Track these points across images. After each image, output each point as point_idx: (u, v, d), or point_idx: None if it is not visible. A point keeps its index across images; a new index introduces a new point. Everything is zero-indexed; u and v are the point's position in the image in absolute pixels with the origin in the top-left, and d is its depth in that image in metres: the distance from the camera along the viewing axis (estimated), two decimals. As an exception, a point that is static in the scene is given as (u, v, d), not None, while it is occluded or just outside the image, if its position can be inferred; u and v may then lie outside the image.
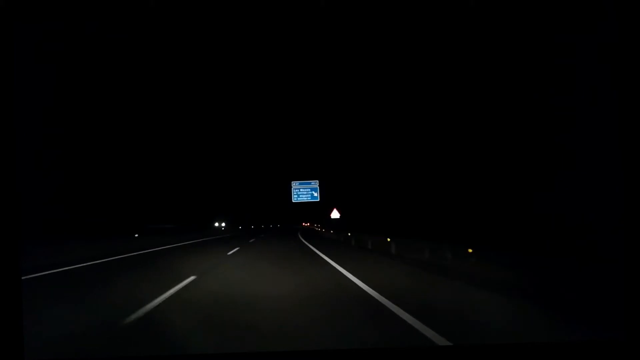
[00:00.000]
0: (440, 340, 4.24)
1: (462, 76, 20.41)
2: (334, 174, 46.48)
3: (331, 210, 32.88)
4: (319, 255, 15.15)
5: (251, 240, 28.53)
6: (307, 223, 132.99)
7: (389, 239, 15.94)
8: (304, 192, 36.53)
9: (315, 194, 36.45)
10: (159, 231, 39.44)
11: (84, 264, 12.59)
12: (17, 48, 2.68)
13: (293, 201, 36.43)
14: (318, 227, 66.36)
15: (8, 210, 2.39)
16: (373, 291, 7.12)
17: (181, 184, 63.63)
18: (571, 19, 11.39)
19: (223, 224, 76.44)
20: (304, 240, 28.07)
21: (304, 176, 38.22)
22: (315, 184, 36.61)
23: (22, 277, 6.61)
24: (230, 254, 16.28)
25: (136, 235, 29.22)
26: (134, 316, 5.47)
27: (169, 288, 7.58)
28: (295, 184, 36.56)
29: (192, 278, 8.98)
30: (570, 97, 12.07)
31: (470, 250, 9.39)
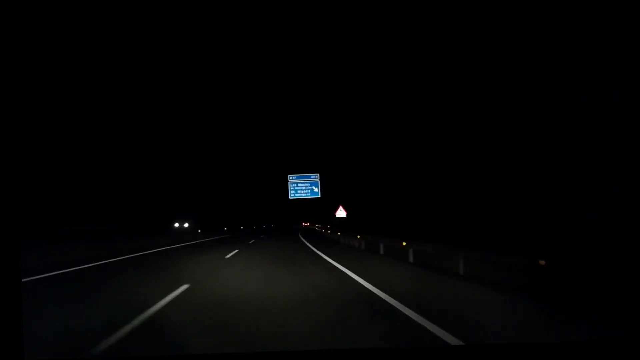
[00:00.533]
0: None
1: (462, 76, 20.40)
2: (336, 166, 42.31)
3: (336, 208, 28.73)
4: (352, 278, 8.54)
5: (228, 256, 15.02)
6: (307, 223, 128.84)
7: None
8: (302, 187, 31.54)
9: (316, 190, 31.38)
10: (82, 235, 24.99)
11: None
12: (17, 48, 2.68)
13: (290, 197, 31.56)
14: (320, 228, 57.14)
15: (8, 210, 2.39)
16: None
17: (175, 178, 58.57)
18: (571, 19, 11.39)
19: (186, 225, 55.05)
20: (317, 251, 16.92)
21: (303, 169, 33.45)
22: (315, 177, 31.54)
23: None
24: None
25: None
26: None
27: None
28: (292, 178, 31.58)
29: None
30: (570, 97, 12.07)
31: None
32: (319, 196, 31.56)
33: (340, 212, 28.33)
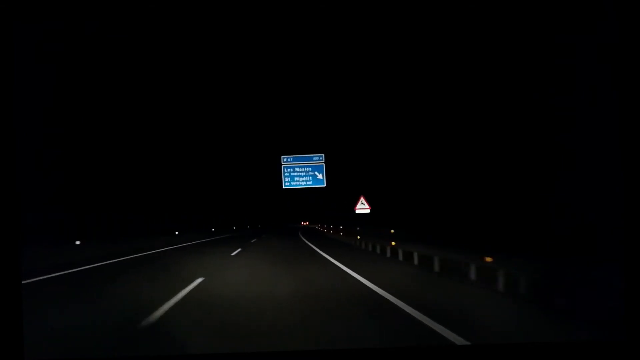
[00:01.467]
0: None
1: (462, 76, 20.40)
2: (345, 147, 32.13)
3: (356, 201, 20.81)
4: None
5: None
6: (305, 222, 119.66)
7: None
8: (301, 172, 23.55)
9: (320, 176, 23.40)
10: None
11: None
12: (17, 48, 2.68)
13: (284, 187, 23.58)
14: (324, 229, 45.84)
15: (8, 210, 2.39)
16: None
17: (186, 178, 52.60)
18: (571, 19, 11.40)
19: None
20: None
21: (302, 148, 24.39)
22: (319, 159, 23.61)
23: None
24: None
25: None
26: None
27: None
28: (287, 160, 23.66)
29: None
30: (570, 97, 12.08)
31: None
32: (324, 185, 23.59)
33: (362, 206, 20.92)
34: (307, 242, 26.21)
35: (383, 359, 3.30)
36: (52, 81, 23.40)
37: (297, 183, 23.68)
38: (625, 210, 2.68)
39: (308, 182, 23.67)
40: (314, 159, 23.74)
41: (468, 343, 4.15)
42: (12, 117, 2.45)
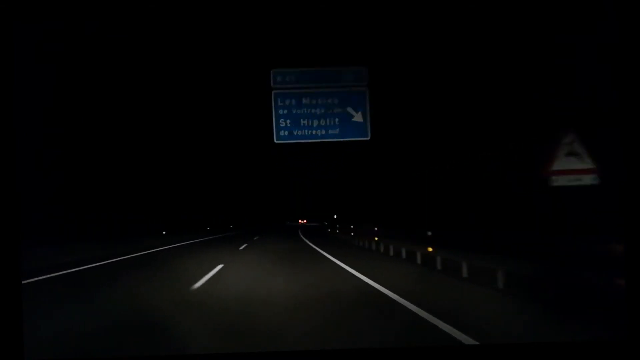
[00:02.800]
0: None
1: (462, 76, 20.40)
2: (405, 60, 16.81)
3: (552, 154, 7.74)
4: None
5: None
6: (303, 220, 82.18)
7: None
8: (315, 108, 9.71)
9: (357, 117, 9.67)
10: None
11: None
12: (17, 48, 2.68)
13: (277, 141, 10.06)
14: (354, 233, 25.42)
15: (8, 210, 2.39)
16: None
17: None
18: (571, 19, 11.40)
19: None
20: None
21: (312, 58, 10.71)
22: (355, 78, 9.82)
23: None
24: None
25: None
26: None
27: None
28: (282, 81, 9.79)
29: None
30: (570, 97, 12.09)
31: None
32: (368, 137, 10.10)
33: (573, 163, 8.00)
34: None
35: (389, 358, 3.29)
36: (52, 81, 23.42)
37: (305, 132, 10.30)
38: (625, 211, 2.68)
39: (331, 130, 10.23)
40: (345, 77, 10.23)
41: (475, 343, 4.13)
42: (12, 117, 2.45)
